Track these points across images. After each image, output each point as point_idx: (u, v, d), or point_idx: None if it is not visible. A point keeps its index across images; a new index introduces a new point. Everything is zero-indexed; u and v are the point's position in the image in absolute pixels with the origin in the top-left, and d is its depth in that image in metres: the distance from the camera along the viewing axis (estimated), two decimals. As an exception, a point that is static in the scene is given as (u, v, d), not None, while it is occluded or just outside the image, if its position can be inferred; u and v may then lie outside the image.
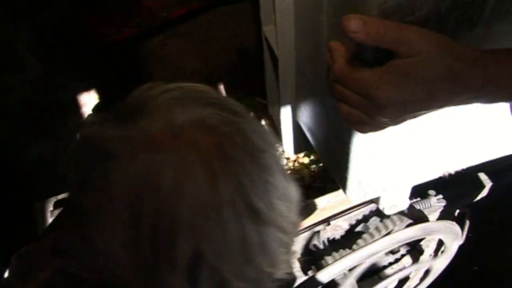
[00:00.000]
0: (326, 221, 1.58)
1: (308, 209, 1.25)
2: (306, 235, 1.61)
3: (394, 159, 1.00)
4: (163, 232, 0.51)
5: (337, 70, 0.71)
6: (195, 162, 0.52)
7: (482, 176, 1.89)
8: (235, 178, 0.54)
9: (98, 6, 1.49)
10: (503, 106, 0.99)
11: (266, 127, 0.59)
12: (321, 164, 1.50)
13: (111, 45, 1.53)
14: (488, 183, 1.88)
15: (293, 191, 0.63)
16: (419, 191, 1.81)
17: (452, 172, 1.11)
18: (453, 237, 1.56)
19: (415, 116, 0.71)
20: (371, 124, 0.73)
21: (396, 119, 0.70)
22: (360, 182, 1.00)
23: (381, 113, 0.69)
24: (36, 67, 1.52)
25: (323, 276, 1.38)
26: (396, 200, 1.14)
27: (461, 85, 0.65)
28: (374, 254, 1.40)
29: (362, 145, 0.93)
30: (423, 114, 0.71)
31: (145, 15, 1.56)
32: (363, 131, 0.77)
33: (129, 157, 0.52)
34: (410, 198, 1.78)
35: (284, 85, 1.22)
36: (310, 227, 1.58)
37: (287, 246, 0.61)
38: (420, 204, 1.74)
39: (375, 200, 1.19)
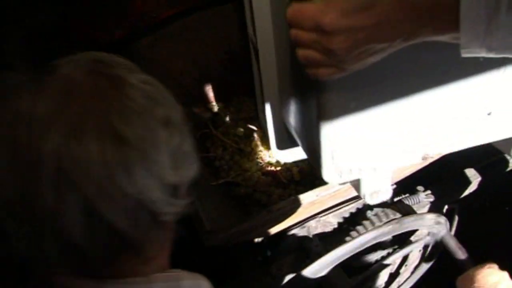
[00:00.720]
0: (316, 216, 1.60)
1: (297, 203, 1.25)
2: (297, 230, 1.63)
3: (365, 135, 0.98)
4: (32, 150, 0.58)
5: (289, 13, 0.74)
6: (69, 96, 0.61)
7: (470, 172, 1.91)
8: (103, 106, 0.61)
9: (88, 8, 1.50)
10: (481, 92, 1.02)
11: (153, 81, 0.67)
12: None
13: (101, 48, 1.54)
14: (476, 178, 1.90)
15: (176, 139, 0.67)
16: (408, 187, 1.83)
17: (431, 155, 1.09)
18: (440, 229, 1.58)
19: (370, 55, 0.72)
20: (328, 64, 0.75)
21: (350, 54, 0.71)
22: (333, 157, 0.98)
23: (330, 42, 0.70)
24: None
25: (313, 270, 1.39)
26: (376, 186, 1.12)
27: (408, 10, 0.65)
28: (361, 247, 1.42)
29: (331, 114, 0.92)
30: (380, 52, 0.72)
31: (134, 17, 1.57)
32: (322, 74, 0.77)
33: (16, 96, 0.62)
34: (399, 194, 1.81)
35: (266, 82, 1.23)
36: (300, 223, 1.60)
37: (162, 180, 0.64)
38: (409, 200, 1.77)
39: (356, 188, 1.17)
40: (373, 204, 1.18)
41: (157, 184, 0.64)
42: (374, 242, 1.46)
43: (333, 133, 0.95)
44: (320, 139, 0.95)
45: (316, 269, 1.39)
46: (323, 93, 0.90)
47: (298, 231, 1.62)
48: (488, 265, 1.19)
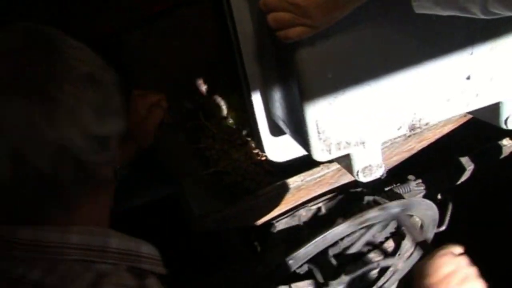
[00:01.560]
0: (306, 205, 1.63)
1: (283, 188, 1.27)
2: (287, 220, 1.65)
3: (348, 107, 0.99)
4: None
5: None
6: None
7: (463, 159, 1.92)
8: (32, 65, 0.70)
9: (78, 3, 1.53)
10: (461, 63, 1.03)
11: (83, 47, 0.80)
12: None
13: (91, 42, 1.58)
14: (469, 166, 1.91)
15: (100, 95, 0.76)
16: (399, 176, 1.85)
17: (418, 125, 1.09)
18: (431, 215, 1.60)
19: (338, 8, 0.76)
20: (297, 23, 0.79)
21: (317, 8, 0.75)
22: (319, 132, 0.99)
23: None
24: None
25: (300, 255, 1.41)
26: (367, 161, 1.12)
27: None
28: (346, 233, 1.43)
29: (311, 86, 0.94)
30: (347, 4, 0.75)
31: (125, 11, 1.60)
32: (292, 34, 0.81)
33: None
34: (390, 183, 1.83)
35: (250, 73, 1.25)
36: (290, 212, 1.62)
37: (85, 130, 0.72)
38: (400, 189, 1.79)
39: (349, 169, 1.18)
40: (366, 181, 1.18)
41: (80, 134, 0.71)
42: (357, 228, 1.47)
43: (316, 107, 0.96)
44: (304, 114, 0.97)
45: (302, 254, 1.41)
46: (299, 63, 0.92)
47: (289, 220, 1.65)
48: (443, 252, 1.10)
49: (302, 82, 0.93)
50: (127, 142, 0.92)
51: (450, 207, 1.94)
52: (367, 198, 1.65)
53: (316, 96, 0.94)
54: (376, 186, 1.77)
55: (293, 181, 1.27)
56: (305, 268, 1.65)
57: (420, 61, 1.00)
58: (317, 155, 1.03)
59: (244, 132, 1.50)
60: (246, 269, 1.58)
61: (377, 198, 1.62)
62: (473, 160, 1.93)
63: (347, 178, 1.49)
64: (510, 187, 2.14)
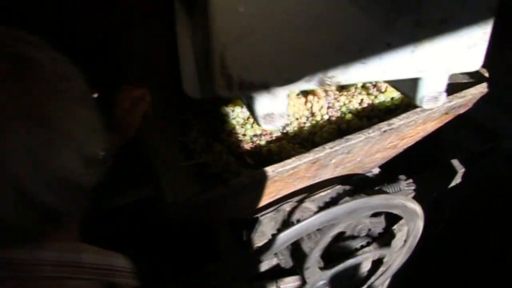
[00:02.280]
0: (289, 199, 1.65)
1: (254, 178, 1.30)
2: (272, 214, 1.69)
3: (256, 45, 0.95)
4: None
5: None
6: None
7: (455, 162, 1.92)
8: (20, 92, 0.67)
9: (76, 2, 1.61)
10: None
11: (62, 58, 0.76)
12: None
13: (88, 42, 1.65)
14: (460, 169, 1.91)
15: (88, 113, 0.76)
16: (390, 175, 1.86)
17: (328, 83, 1.04)
18: (412, 217, 1.60)
19: None
20: None
21: None
22: (223, 67, 0.94)
23: None
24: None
25: (284, 237, 1.44)
26: (270, 108, 1.06)
27: None
28: (327, 222, 1.45)
29: (222, 21, 0.90)
30: None
31: (122, 11, 1.68)
32: None
33: None
34: (381, 182, 1.84)
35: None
36: (273, 207, 1.65)
37: (80, 153, 0.72)
38: (389, 188, 1.80)
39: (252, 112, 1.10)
40: (267, 128, 1.18)
41: (77, 157, 0.71)
42: (335, 219, 1.49)
43: (222, 40, 0.92)
44: (210, 46, 0.93)
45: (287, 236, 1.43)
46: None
47: (274, 215, 1.68)
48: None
49: (210, 12, 0.90)
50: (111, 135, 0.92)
51: (444, 209, 1.95)
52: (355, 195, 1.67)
53: (224, 29, 0.91)
54: (365, 185, 1.78)
55: (265, 172, 1.29)
56: (290, 263, 1.68)
57: (340, 15, 0.97)
58: (219, 90, 0.99)
59: (230, 126, 1.55)
60: (235, 262, 1.62)
61: (363, 195, 1.63)
62: (465, 163, 1.93)
63: (326, 173, 1.51)
64: (503, 191, 2.12)
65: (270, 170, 1.30)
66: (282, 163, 1.32)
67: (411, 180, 1.84)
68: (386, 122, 1.40)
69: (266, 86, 1.01)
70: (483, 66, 1.54)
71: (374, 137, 1.39)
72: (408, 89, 1.21)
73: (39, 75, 0.69)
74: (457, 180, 1.92)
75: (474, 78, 1.56)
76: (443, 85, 1.18)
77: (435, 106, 1.20)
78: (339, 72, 1.05)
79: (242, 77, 0.98)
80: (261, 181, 1.32)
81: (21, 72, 0.68)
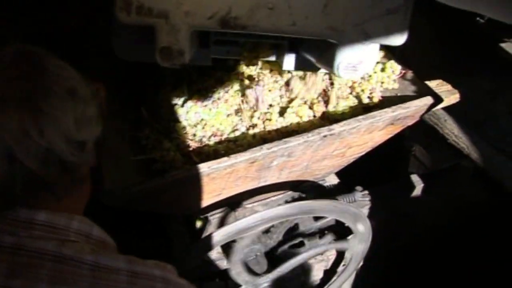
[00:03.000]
0: (240, 203, 1.69)
1: (191, 173, 1.33)
2: (222, 215, 1.71)
3: None
4: None
5: None
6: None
7: (414, 178, 1.94)
8: (23, 82, 0.86)
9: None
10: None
11: (66, 66, 0.95)
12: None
13: (57, 37, 1.72)
14: (419, 184, 1.93)
15: (80, 106, 0.91)
16: (347, 186, 1.89)
17: (230, 23, 1.04)
18: (352, 218, 1.61)
19: None
20: None
21: None
22: None
23: None
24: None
25: (217, 237, 1.47)
26: (169, 41, 1.07)
27: None
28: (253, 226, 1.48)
29: None
30: None
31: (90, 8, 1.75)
32: None
33: None
34: (337, 192, 1.86)
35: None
36: (223, 208, 1.69)
37: (68, 136, 0.88)
38: (344, 198, 1.81)
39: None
40: (164, 65, 1.17)
41: (63, 139, 0.87)
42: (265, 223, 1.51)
43: None
44: None
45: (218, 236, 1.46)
46: None
47: (223, 216, 1.71)
48: None
49: None
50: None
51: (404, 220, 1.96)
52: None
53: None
54: (319, 195, 1.80)
55: (200, 168, 1.33)
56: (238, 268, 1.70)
57: None
58: (118, 14, 1.01)
59: (181, 124, 1.59)
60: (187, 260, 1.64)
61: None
62: (424, 179, 1.95)
63: (272, 175, 1.54)
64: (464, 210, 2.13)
65: (205, 166, 1.34)
66: (217, 160, 1.35)
67: (367, 192, 1.86)
68: (326, 127, 1.43)
69: (164, 15, 1.02)
70: (459, 88, 1.61)
71: (314, 141, 1.42)
72: (324, 60, 1.22)
73: (38, 68, 0.89)
74: (416, 194, 1.94)
75: (423, 91, 1.58)
76: (361, 54, 1.17)
77: (353, 77, 1.21)
78: (244, 15, 1.04)
79: (141, 2, 1.00)
80: (197, 177, 1.36)
81: (26, 68, 0.88)
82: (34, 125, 0.83)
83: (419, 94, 1.57)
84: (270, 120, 1.57)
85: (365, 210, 1.86)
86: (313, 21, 1.10)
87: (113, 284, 0.88)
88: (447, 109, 2.19)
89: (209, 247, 1.48)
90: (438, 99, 1.55)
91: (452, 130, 2.26)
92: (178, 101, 1.65)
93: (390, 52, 1.74)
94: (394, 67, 1.65)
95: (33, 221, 0.89)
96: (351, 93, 1.66)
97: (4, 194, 0.88)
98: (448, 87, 1.77)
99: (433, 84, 1.75)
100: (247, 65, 1.62)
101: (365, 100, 1.63)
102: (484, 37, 1.79)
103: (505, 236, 2.10)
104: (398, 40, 1.16)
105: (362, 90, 1.63)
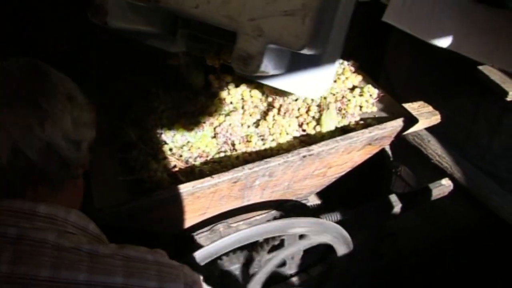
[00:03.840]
0: (224, 220, 1.74)
1: (175, 192, 1.40)
2: (207, 234, 1.77)
3: None
4: None
5: None
6: (6, 80, 0.98)
7: (392, 197, 2.00)
8: (29, 86, 0.99)
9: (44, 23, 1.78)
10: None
11: (67, 79, 1.08)
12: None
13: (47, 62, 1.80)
14: (397, 205, 1.99)
15: (77, 110, 1.04)
16: (330, 205, 1.95)
17: None
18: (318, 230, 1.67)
19: None
20: None
21: None
22: None
23: None
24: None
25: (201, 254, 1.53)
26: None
27: None
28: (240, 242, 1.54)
29: None
30: None
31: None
32: None
33: None
34: (320, 211, 1.92)
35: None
36: (209, 227, 1.74)
37: (66, 135, 1.00)
38: (326, 217, 1.88)
39: None
40: (93, 20, 1.32)
41: (62, 136, 0.99)
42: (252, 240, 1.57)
43: None
44: None
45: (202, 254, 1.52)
46: None
47: (209, 235, 1.76)
48: None
49: None
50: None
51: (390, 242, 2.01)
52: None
53: None
54: (302, 213, 1.86)
55: (184, 187, 1.39)
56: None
57: None
58: None
59: (167, 146, 1.66)
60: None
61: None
62: (402, 199, 2.00)
63: (255, 195, 1.60)
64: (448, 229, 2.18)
65: (190, 185, 1.41)
66: (201, 180, 1.42)
67: (348, 211, 1.91)
68: (305, 148, 1.50)
69: None
70: (441, 109, 1.68)
71: (294, 161, 1.49)
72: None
73: (42, 76, 1.01)
74: (395, 214, 1.99)
75: (398, 113, 1.65)
76: (255, 49, 1.21)
77: (243, 71, 1.24)
78: None
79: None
80: (182, 196, 1.42)
81: (32, 76, 1.01)
82: (37, 121, 0.95)
83: (395, 115, 1.64)
84: (249, 142, 1.63)
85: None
86: (214, 6, 1.19)
87: (109, 268, 0.97)
88: (430, 130, 2.27)
89: (193, 266, 1.53)
90: (413, 120, 1.62)
91: (435, 151, 2.34)
92: (165, 124, 1.72)
93: (370, 77, 1.82)
94: (372, 91, 1.72)
95: (35, 213, 0.98)
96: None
97: (6, 184, 0.98)
98: (429, 108, 1.86)
99: (415, 105, 1.84)
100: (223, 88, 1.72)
101: (345, 123, 1.69)
102: (464, 61, 1.86)
103: (487, 251, 2.15)
104: (294, 43, 1.19)
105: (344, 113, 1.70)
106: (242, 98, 1.73)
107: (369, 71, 1.87)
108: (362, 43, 2.53)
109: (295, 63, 1.43)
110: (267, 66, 1.27)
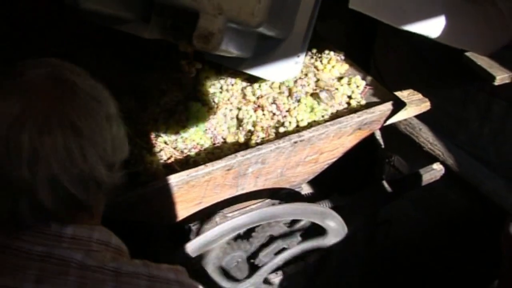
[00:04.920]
0: (220, 211, 1.77)
1: (170, 182, 1.42)
2: (204, 224, 1.80)
3: None
4: (10, 140, 0.84)
5: None
6: (34, 98, 0.87)
7: (386, 183, 2.03)
8: (62, 107, 0.88)
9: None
10: None
11: (97, 85, 0.99)
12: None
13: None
14: (390, 190, 2.02)
15: (114, 128, 0.98)
16: (324, 192, 1.98)
17: None
18: (320, 217, 1.69)
19: None
20: None
21: None
22: None
23: None
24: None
25: (194, 245, 1.56)
26: None
27: None
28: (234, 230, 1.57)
29: None
30: None
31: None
32: None
33: None
34: (313, 199, 1.95)
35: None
36: (201, 216, 1.77)
37: (105, 160, 0.94)
38: (321, 204, 1.91)
39: None
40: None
41: (102, 163, 0.92)
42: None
43: None
44: None
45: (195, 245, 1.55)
46: None
47: (206, 225, 1.79)
48: None
49: None
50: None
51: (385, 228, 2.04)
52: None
53: None
54: (293, 199, 1.89)
55: (179, 176, 1.42)
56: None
57: None
58: None
59: (161, 139, 1.69)
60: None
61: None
62: (394, 185, 2.04)
63: (249, 183, 1.63)
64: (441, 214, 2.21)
65: (185, 174, 1.44)
66: (195, 168, 1.45)
67: (343, 198, 1.94)
68: (296, 134, 1.53)
69: None
70: (432, 98, 1.72)
71: (285, 147, 1.52)
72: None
73: (76, 95, 0.91)
74: (388, 200, 2.03)
75: (387, 98, 1.69)
76: (215, 26, 1.25)
77: (204, 49, 1.28)
78: None
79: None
80: (177, 185, 1.45)
81: (61, 92, 0.90)
82: (78, 148, 0.88)
83: (383, 100, 1.68)
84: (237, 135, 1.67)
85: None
86: None
87: None
88: (421, 118, 2.31)
89: (188, 255, 1.56)
90: (401, 104, 1.66)
91: (427, 139, 2.38)
92: (160, 120, 1.75)
93: (358, 65, 1.86)
94: (358, 83, 1.76)
95: (62, 235, 0.94)
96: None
97: (43, 214, 0.91)
98: (419, 96, 1.89)
99: (404, 94, 1.88)
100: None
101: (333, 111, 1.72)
102: (450, 48, 1.90)
103: (481, 236, 2.18)
104: (250, 21, 1.24)
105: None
106: (224, 89, 1.78)
107: (360, 63, 1.91)
108: (353, 36, 2.57)
109: (262, 48, 1.52)
110: (228, 45, 1.33)
